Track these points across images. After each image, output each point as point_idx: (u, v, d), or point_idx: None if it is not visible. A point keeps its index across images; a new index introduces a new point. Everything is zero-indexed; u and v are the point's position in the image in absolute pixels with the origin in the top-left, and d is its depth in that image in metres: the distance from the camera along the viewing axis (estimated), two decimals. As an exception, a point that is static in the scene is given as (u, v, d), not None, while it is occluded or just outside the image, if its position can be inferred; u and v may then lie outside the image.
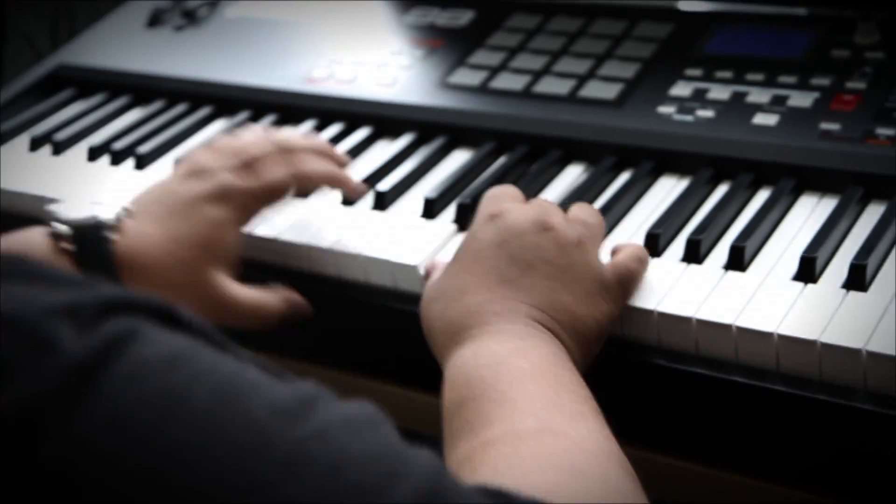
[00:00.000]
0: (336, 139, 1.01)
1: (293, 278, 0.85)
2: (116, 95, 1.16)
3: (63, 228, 0.72)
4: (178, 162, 0.82)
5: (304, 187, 0.83)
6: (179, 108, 1.11)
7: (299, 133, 0.87)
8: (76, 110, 1.15)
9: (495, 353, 0.63)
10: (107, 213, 0.73)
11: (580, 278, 0.69)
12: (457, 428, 0.59)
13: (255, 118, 1.07)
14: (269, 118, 1.06)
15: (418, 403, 0.86)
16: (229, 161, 0.79)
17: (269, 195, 0.80)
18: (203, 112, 1.10)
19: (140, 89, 1.15)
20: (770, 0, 1.05)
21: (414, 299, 0.80)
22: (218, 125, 1.08)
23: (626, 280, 0.72)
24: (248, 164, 0.79)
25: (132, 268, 0.72)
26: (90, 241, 0.71)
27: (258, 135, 0.82)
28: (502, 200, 0.73)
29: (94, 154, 1.06)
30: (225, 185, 0.77)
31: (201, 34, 1.21)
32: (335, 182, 0.85)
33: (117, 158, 1.04)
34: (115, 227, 0.73)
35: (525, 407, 0.58)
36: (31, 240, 0.72)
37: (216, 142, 0.82)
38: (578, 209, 0.74)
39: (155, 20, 1.25)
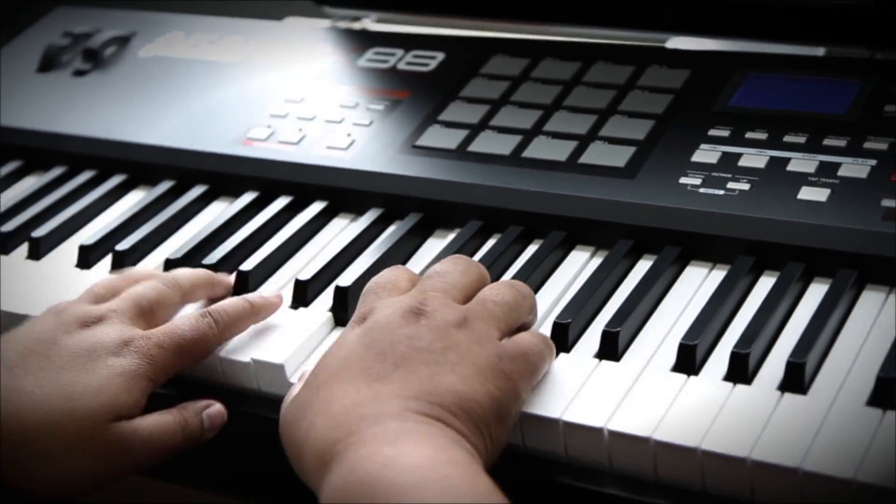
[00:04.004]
0: (281, 216, 0.94)
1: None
2: (4, 159, 1.08)
3: None
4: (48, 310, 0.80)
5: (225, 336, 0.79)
6: (84, 177, 1.03)
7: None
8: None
9: (367, 478, 0.60)
10: None
11: (466, 356, 0.68)
12: None
13: (179, 189, 0.99)
14: (197, 189, 0.98)
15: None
16: (124, 305, 0.78)
17: (180, 346, 0.76)
18: (114, 182, 1.02)
19: (33, 152, 1.07)
20: (800, 38, 1.00)
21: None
22: (134, 197, 1.00)
23: (530, 354, 0.70)
24: (147, 310, 0.79)
25: (7, 432, 0.70)
26: None
27: (145, 276, 0.83)
28: (377, 296, 0.72)
29: (-25, 240, 0.97)
30: (123, 335, 0.75)
31: (108, 80, 1.13)
32: (256, 316, 0.81)
33: (5, 245, 0.96)
34: None
35: None
36: None
37: (98, 287, 0.81)
38: (494, 287, 0.74)
39: (48, 62, 1.17)
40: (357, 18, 1.21)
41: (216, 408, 0.77)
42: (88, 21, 1.23)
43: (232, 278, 0.86)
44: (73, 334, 0.75)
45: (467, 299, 0.73)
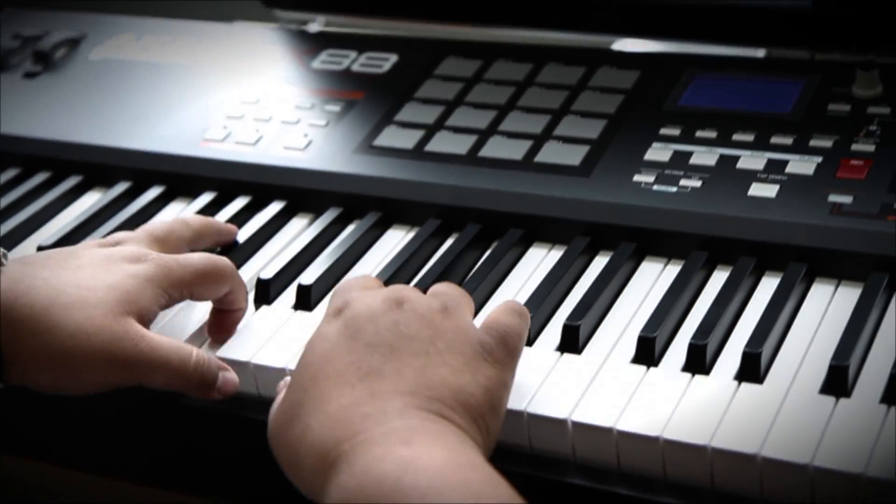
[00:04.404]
0: (240, 216, 0.95)
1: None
2: (-44, 162, 1.08)
3: None
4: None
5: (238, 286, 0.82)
6: (38, 179, 1.03)
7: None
8: None
9: (385, 479, 0.58)
10: None
11: (453, 345, 0.67)
12: None
13: (136, 190, 1.00)
14: (155, 190, 0.99)
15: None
16: (139, 235, 0.83)
17: (197, 268, 0.78)
18: (70, 183, 1.02)
19: (-14, 154, 1.07)
20: (742, 40, 1.03)
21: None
22: (90, 198, 1.01)
23: (507, 337, 0.69)
24: (161, 239, 0.82)
25: (13, 312, 0.71)
26: None
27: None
28: (349, 292, 0.71)
29: (-66, 241, 0.97)
30: (141, 251, 0.78)
31: (60, 82, 1.13)
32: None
33: (-35, 247, 0.96)
34: None
35: None
36: None
37: (112, 235, 0.84)
38: (437, 286, 0.73)
39: (-1, 64, 1.17)
40: (305, 22, 1.22)
41: (232, 374, 0.76)
42: (37, 23, 1.22)
43: (237, 229, 0.91)
44: (93, 249, 0.78)
45: None
